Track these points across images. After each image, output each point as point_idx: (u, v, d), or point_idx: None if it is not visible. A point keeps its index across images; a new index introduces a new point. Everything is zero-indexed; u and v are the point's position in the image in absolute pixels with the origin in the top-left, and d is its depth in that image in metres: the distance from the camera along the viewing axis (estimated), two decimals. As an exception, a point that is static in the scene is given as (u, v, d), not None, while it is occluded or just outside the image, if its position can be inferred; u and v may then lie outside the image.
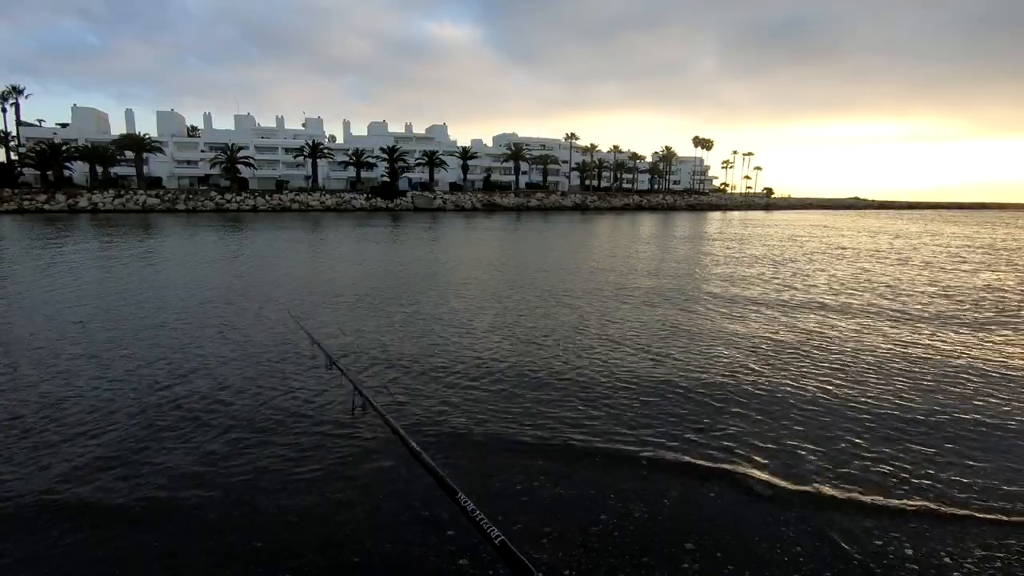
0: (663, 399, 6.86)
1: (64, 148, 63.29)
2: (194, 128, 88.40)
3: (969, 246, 30.85)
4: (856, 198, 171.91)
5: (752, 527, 4.30)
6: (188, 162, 78.46)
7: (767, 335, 10.07)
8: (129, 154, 66.45)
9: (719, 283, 16.25)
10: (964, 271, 19.83)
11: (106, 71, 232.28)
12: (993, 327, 10.96)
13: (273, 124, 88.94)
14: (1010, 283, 16.95)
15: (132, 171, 67.40)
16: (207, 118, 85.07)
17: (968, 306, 13.14)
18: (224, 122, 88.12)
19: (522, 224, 46.72)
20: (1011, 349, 9.39)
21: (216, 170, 70.68)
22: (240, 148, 71.19)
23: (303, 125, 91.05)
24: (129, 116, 79.56)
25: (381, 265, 20.12)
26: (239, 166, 69.47)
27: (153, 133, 74.57)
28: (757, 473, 5.08)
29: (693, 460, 5.33)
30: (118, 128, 79.39)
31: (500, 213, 66.91)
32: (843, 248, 28.86)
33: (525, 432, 5.95)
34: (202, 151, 78.35)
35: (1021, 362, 8.62)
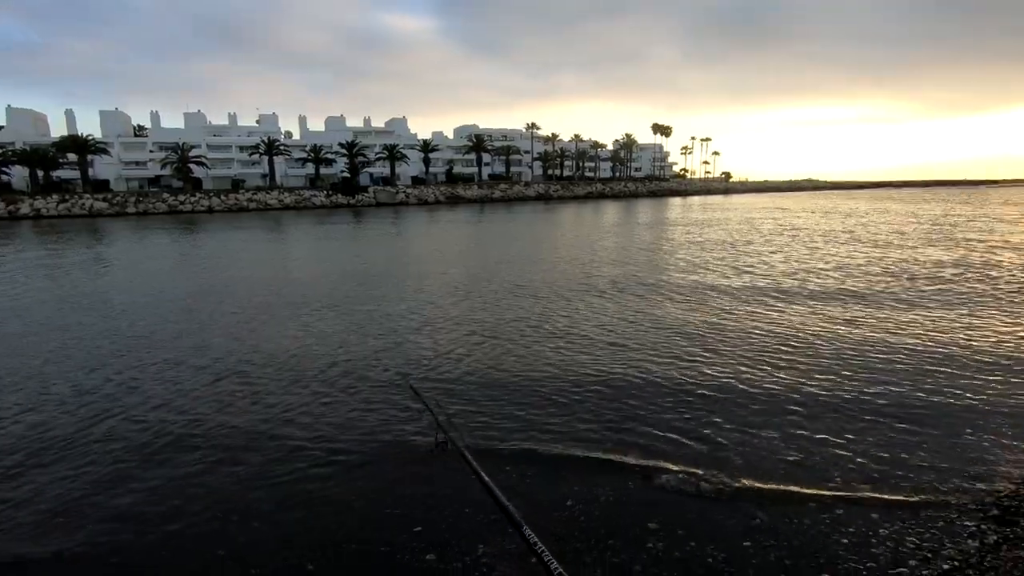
0: (620, 392, 6.88)
1: (0, 152, 59.96)
2: (141, 127, 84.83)
3: (914, 221, 32.21)
4: (810, 180, 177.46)
5: (707, 509, 4.40)
6: (136, 163, 75.34)
7: (720, 323, 10.29)
8: (72, 156, 63.33)
9: (679, 272, 16.53)
10: (909, 247, 20.69)
11: (44, 69, 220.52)
12: (928, 304, 11.48)
13: (225, 121, 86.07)
14: (946, 258, 17.77)
15: (76, 174, 64.34)
16: (155, 117, 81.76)
17: (904, 284, 13.72)
18: (173, 120, 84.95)
19: (486, 216, 46.58)
20: (948, 326, 9.85)
21: (167, 171, 68.06)
22: (192, 147, 68.76)
23: (257, 122, 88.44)
24: (70, 116, 75.80)
25: (341, 263, 19.77)
26: (191, 166, 67.07)
27: (97, 134, 71.28)
28: (711, 461, 5.21)
29: (651, 449, 5.42)
30: (58, 130, 75.65)
31: (464, 205, 66.54)
32: (797, 228, 29.74)
33: (487, 426, 5.95)
34: (151, 151, 75.32)
35: (961, 340, 9.05)
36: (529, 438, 5.64)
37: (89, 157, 64.53)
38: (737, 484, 4.71)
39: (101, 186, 65.29)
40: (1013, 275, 14.14)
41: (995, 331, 9.08)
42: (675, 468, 4.98)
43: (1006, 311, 10.41)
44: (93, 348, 9.12)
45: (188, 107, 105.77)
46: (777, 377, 7.20)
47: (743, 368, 7.57)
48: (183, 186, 65.21)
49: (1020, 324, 9.49)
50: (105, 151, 66.77)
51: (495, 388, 7.07)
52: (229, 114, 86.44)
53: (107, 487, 4.89)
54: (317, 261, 20.37)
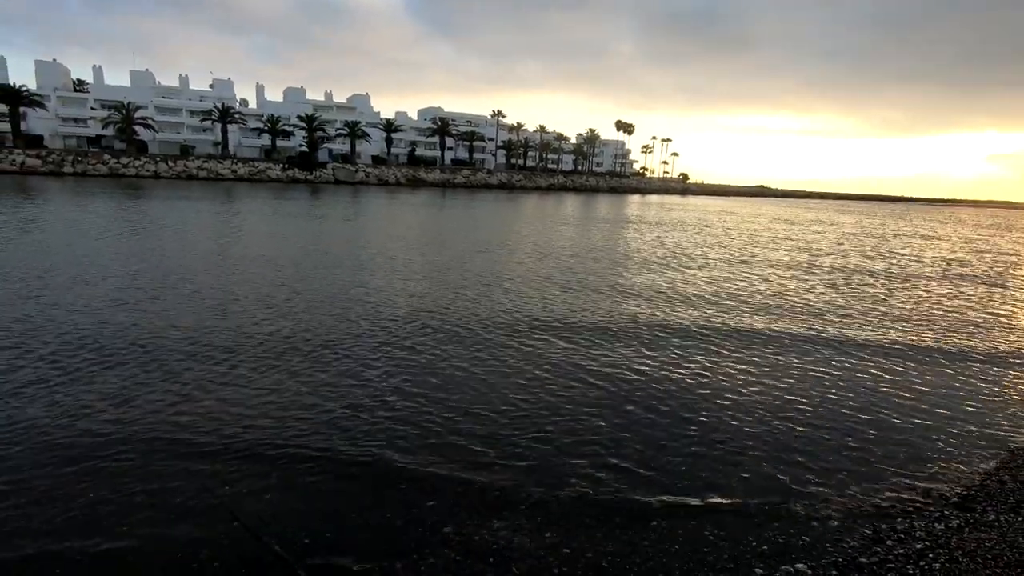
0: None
1: (-82, 96, 54.88)
2: (81, 82, 79.20)
3: (859, 234, 34.12)
4: (762, 187, 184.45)
5: None
6: (76, 120, 70.37)
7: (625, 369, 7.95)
8: (2, 108, 58.58)
9: (634, 298, 13.10)
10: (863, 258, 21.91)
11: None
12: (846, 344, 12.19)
13: (176, 83, 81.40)
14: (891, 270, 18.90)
15: (6, 127, 59.59)
16: (97, 72, 76.35)
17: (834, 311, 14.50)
18: (118, 77, 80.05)
19: (448, 202, 46.17)
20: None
21: (110, 131, 63.90)
22: (138, 107, 64.82)
23: (210, 86, 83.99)
24: (0, 63, 69.98)
25: (299, 250, 19.22)
26: (137, 127, 63.30)
27: (31, 85, 66.18)
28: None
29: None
30: (-14, 77, 69.59)
31: (425, 189, 65.66)
32: (751, 233, 31.03)
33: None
34: (92, 108, 70.52)
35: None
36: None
37: (22, 110, 59.91)
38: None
39: (34, 142, 60.91)
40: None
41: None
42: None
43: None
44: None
45: (135, 64, 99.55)
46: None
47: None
48: (126, 148, 61.53)
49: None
50: (40, 104, 62.14)
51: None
52: (180, 76, 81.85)
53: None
54: (281, 245, 19.74)
